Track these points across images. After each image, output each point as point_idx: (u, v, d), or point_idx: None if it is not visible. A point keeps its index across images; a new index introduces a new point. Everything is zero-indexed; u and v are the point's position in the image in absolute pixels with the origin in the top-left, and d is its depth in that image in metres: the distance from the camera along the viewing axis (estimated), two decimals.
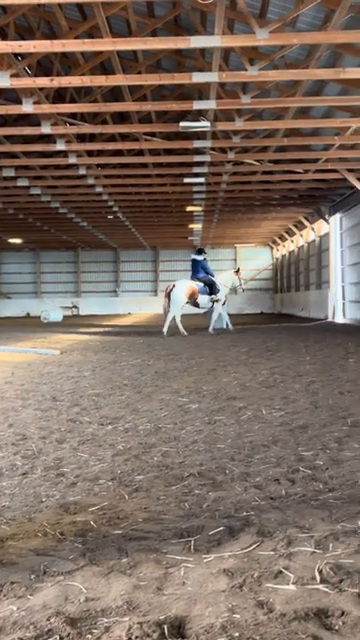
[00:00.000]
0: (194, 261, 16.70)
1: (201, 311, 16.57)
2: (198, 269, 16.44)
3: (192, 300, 15.79)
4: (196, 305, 16.11)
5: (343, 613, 1.70)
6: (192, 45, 9.46)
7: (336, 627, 1.65)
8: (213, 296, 16.12)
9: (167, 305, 15.69)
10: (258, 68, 10.61)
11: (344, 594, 1.81)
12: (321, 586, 1.87)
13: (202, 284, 16.03)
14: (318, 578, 1.93)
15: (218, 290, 16.26)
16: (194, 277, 16.37)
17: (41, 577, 2.04)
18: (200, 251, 16.96)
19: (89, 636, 1.67)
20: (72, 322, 26.83)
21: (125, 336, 15.79)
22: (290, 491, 2.97)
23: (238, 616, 1.71)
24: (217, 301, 16.28)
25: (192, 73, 11.08)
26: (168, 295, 15.70)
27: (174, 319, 15.58)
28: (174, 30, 12.52)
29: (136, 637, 1.63)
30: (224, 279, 16.92)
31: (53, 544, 2.33)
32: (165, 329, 15.18)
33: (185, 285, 15.88)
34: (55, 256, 42.24)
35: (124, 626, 1.69)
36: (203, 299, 15.97)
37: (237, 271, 17.72)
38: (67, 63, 13.89)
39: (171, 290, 15.66)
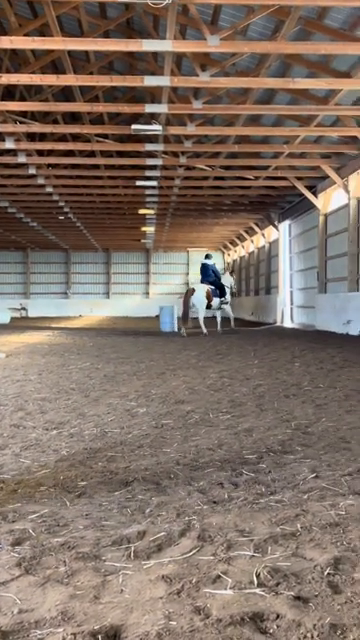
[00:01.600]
0: (204, 266, 17.64)
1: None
2: (209, 273, 17.39)
3: (207, 302, 16.91)
4: (209, 307, 17.21)
5: (278, 616, 1.72)
6: (144, 48, 9.47)
7: (270, 630, 1.66)
8: (223, 298, 17.38)
9: (187, 307, 16.70)
10: (209, 74, 10.72)
11: (280, 597, 1.83)
12: (258, 590, 1.88)
13: (213, 287, 17.18)
14: (255, 582, 1.94)
15: (226, 292, 17.50)
16: (204, 280, 17.35)
17: None
18: (208, 256, 18.06)
19: None
20: (20, 324, 26.26)
21: (75, 338, 15.58)
22: (233, 495, 2.99)
23: (174, 623, 1.69)
24: (227, 303, 17.57)
25: (144, 76, 11.10)
26: (188, 298, 16.72)
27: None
28: (127, 32, 12.49)
29: None
30: (225, 281, 17.92)
31: None
32: (204, 330, 16.42)
33: (205, 288, 17.02)
34: (3, 256, 41.30)
35: (57, 638, 1.65)
36: (215, 301, 17.23)
37: (232, 272, 18.94)
38: (17, 60, 13.64)
39: (192, 294, 16.80)
